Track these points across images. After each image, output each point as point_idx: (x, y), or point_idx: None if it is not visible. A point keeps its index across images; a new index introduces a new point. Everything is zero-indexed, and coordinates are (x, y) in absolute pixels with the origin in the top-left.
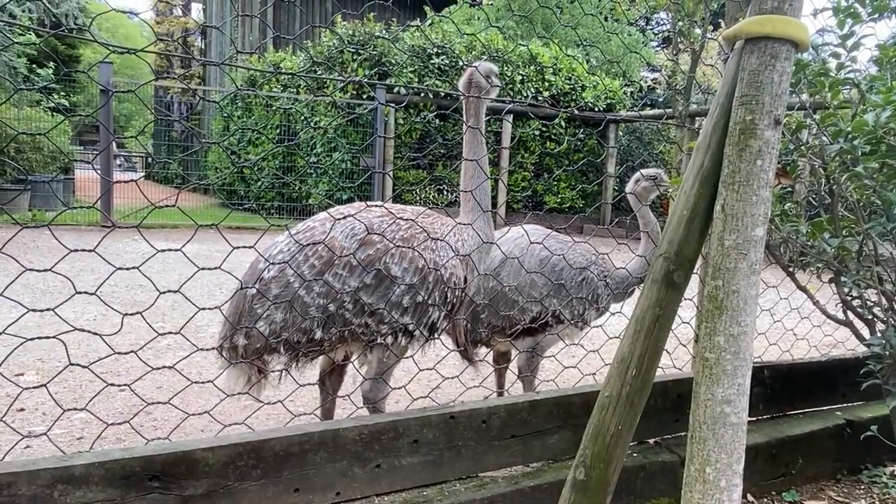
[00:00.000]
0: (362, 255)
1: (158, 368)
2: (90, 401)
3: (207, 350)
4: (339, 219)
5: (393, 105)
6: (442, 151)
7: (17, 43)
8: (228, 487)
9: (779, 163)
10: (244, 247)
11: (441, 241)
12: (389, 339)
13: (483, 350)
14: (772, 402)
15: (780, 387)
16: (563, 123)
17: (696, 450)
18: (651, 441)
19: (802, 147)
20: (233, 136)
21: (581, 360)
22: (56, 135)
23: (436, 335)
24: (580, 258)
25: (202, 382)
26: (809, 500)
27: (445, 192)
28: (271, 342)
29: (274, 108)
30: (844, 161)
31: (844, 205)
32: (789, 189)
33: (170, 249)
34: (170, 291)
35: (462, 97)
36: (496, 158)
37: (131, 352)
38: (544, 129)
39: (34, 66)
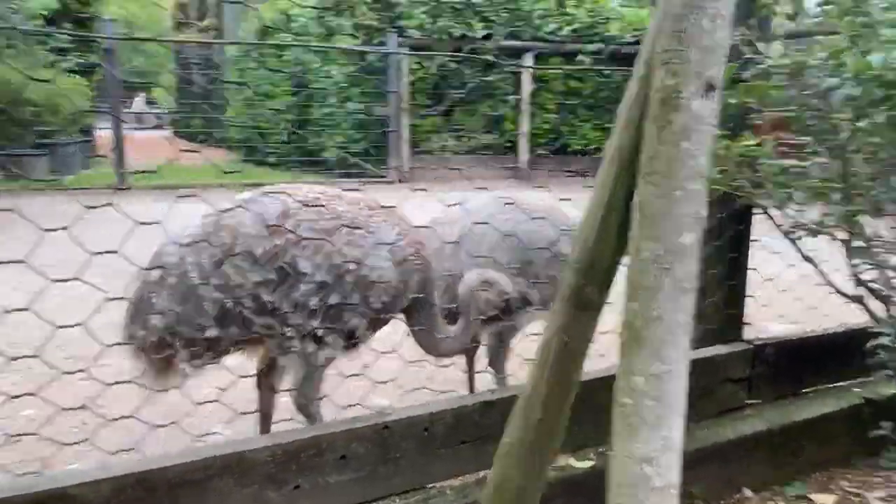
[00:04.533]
0: (267, 245)
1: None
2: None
3: (110, 346)
4: (255, 199)
5: (405, 51)
6: (459, 96)
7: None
8: None
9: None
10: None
11: (370, 233)
12: (297, 345)
13: None
14: (776, 381)
15: (786, 364)
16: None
17: None
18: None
19: (805, 93)
20: (249, 91)
21: None
22: (75, 96)
23: (359, 343)
24: (550, 230)
25: (110, 384)
26: (817, 492)
27: (464, 139)
28: (166, 337)
29: (284, 57)
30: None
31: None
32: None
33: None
34: None
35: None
36: (517, 103)
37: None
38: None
39: (49, 25)
